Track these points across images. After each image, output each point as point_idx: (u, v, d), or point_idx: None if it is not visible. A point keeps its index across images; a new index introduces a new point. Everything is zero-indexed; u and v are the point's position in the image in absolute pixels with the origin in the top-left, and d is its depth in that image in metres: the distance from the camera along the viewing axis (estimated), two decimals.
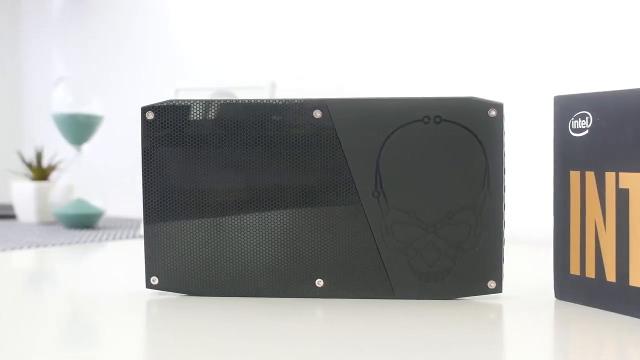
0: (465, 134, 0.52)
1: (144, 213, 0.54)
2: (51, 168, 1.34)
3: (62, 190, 1.21)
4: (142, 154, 0.54)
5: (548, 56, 0.93)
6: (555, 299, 0.53)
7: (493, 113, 0.52)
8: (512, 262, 0.61)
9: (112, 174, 1.42)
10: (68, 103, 1.20)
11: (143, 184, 0.54)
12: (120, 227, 1.19)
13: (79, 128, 1.19)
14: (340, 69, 1.15)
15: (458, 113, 0.52)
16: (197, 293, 0.54)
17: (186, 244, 0.54)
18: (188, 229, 0.54)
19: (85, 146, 1.25)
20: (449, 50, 1.03)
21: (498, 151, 0.52)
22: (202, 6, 1.35)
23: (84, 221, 1.16)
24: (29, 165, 1.33)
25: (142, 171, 0.54)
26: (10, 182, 1.36)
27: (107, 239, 0.99)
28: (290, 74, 1.19)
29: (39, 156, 1.33)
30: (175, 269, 0.54)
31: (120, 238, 1.01)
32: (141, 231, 1.05)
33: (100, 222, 1.25)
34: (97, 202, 1.20)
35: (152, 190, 0.54)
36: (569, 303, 0.52)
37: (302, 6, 1.20)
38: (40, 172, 1.33)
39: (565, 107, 0.51)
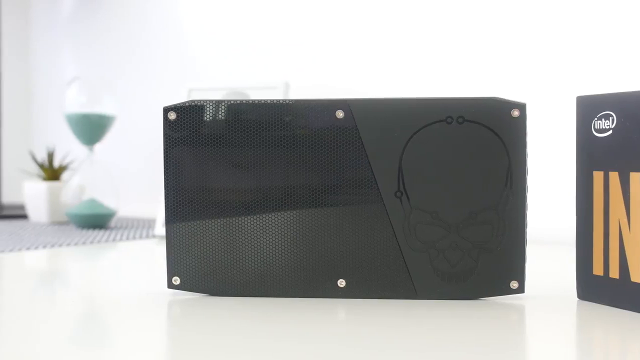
0: (488, 134, 0.52)
1: (165, 213, 0.54)
2: (62, 168, 1.34)
3: (74, 190, 1.21)
4: (164, 154, 0.54)
5: (571, 56, 0.93)
6: (577, 299, 0.53)
7: (516, 113, 0.52)
8: (535, 263, 0.61)
9: (124, 174, 1.43)
10: (81, 103, 1.20)
11: (165, 184, 0.54)
12: (132, 227, 1.20)
13: (92, 128, 1.20)
14: (357, 68, 1.15)
15: (481, 113, 0.52)
16: (219, 293, 0.54)
17: (208, 244, 0.54)
18: (209, 228, 0.54)
19: (97, 146, 1.25)
20: (471, 50, 1.03)
21: (521, 151, 0.52)
22: (215, 5, 1.35)
23: (96, 221, 1.16)
24: (41, 166, 1.33)
25: (164, 171, 0.54)
26: (22, 182, 1.37)
27: (120, 239, 0.99)
28: (304, 74, 1.19)
29: (50, 156, 1.34)
30: (196, 269, 0.54)
31: (134, 238, 1.02)
32: (155, 231, 1.05)
33: (112, 222, 1.25)
34: (109, 202, 1.20)
35: (173, 190, 0.54)
36: (592, 303, 0.52)
37: (316, 5, 1.20)
38: (52, 172, 1.33)
39: (588, 107, 0.51)
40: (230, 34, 1.33)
